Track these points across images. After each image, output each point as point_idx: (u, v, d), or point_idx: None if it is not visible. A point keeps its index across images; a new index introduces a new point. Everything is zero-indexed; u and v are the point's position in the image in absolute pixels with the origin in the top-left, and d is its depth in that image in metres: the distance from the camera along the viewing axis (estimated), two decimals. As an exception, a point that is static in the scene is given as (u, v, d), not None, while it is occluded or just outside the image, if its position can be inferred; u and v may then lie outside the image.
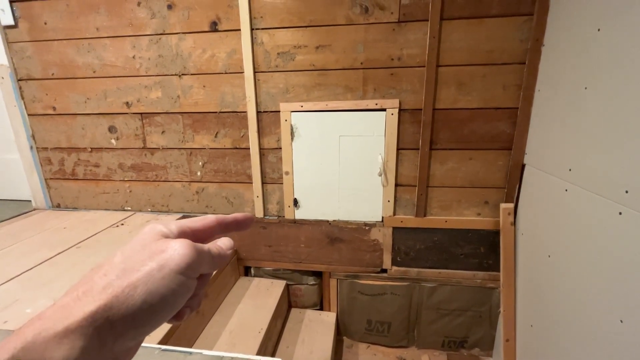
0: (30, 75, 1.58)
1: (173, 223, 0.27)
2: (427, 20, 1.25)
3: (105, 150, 1.64)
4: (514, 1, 1.20)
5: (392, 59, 1.31)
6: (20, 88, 1.60)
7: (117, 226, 1.53)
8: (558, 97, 1.12)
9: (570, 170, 1.04)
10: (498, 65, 1.26)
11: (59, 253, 1.27)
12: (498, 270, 1.43)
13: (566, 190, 1.05)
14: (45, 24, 1.49)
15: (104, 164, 1.66)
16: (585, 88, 0.98)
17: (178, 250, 0.24)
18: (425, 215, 1.47)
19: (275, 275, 1.66)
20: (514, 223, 1.37)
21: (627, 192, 0.81)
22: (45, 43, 1.52)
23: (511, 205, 1.37)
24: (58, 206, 1.78)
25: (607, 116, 0.89)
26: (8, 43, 1.55)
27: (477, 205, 1.43)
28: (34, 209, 1.76)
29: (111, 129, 1.60)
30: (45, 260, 1.21)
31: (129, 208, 1.71)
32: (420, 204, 1.45)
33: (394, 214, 1.48)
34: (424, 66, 1.30)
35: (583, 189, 0.97)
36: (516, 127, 1.31)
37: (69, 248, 1.31)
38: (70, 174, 1.71)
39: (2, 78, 1.59)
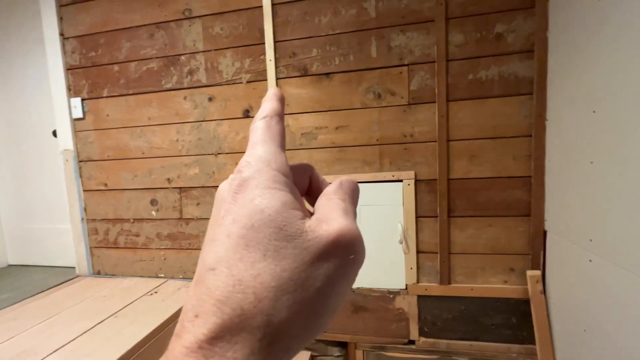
0: (90, 157, 1.83)
1: (277, 184, 0.19)
2: (435, 102, 1.39)
3: (146, 221, 1.80)
4: (514, 83, 1.33)
5: (405, 136, 1.44)
6: (80, 168, 1.85)
7: (151, 294, 1.61)
8: (569, 168, 1.17)
9: (591, 240, 1.05)
10: (506, 138, 1.36)
11: (98, 323, 1.35)
12: (534, 343, 1.35)
13: (590, 260, 1.05)
14: (107, 115, 1.78)
15: (143, 233, 1.81)
16: (591, 162, 1.04)
17: (361, 250, 0.19)
18: (449, 283, 1.45)
19: (299, 345, 1.64)
20: (544, 292, 1.33)
21: (649, 268, 0.81)
22: (105, 131, 1.79)
23: (538, 272, 1.34)
24: (98, 273, 1.91)
25: (615, 189, 0.93)
26: (75, 132, 1.84)
27: (502, 272, 1.41)
28: (77, 276, 1.90)
29: (152, 202, 1.77)
30: (86, 332, 1.29)
31: (162, 275, 1.81)
32: (444, 271, 1.45)
33: (418, 281, 1.48)
34: (435, 141, 1.41)
35: (607, 261, 0.97)
36: (532, 195, 1.35)
37: (107, 318, 1.39)
38: (112, 243, 1.86)
39: (67, 160, 1.85)
